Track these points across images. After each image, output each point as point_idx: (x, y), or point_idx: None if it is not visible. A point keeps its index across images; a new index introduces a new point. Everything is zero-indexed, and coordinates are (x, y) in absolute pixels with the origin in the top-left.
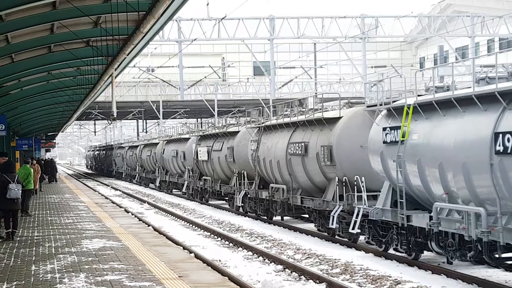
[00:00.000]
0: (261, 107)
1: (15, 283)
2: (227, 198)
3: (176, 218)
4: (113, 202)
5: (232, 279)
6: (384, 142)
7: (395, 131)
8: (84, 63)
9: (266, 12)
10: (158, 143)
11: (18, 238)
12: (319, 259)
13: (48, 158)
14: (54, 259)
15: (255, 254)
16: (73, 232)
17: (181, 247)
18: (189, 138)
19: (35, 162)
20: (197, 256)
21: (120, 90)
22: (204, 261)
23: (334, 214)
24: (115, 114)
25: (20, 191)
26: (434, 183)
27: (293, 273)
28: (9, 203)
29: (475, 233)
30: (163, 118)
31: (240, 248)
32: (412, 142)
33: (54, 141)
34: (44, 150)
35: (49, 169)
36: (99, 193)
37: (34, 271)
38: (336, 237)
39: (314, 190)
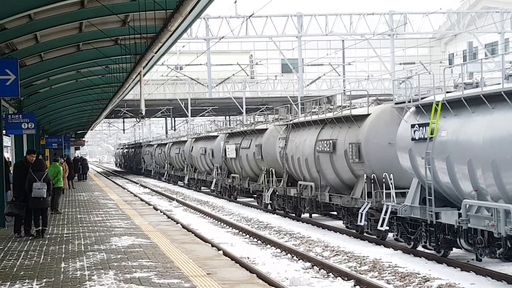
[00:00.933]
0: (289, 105)
1: (45, 280)
2: (255, 195)
3: (205, 216)
4: (142, 200)
5: (260, 276)
6: (413, 139)
7: (424, 128)
8: (112, 61)
9: (294, 9)
10: (186, 141)
11: (48, 236)
12: (347, 256)
13: (78, 156)
14: (84, 257)
15: (284, 252)
16: (102, 230)
17: (210, 245)
18: (217, 136)
19: (62, 161)
20: (225, 254)
21: (149, 88)
22: (232, 258)
23: (362, 211)
24: (143, 112)
25: (45, 190)
26: (463, 180)
27: (322, 270)
28: (35, 201)
29: (505, 230)
30: (191, 116)
31: (269, 246)
32: (441, 139)
33: (84, 139)
34: (73, 148)
35: (78, 167)
36: (128, 190)
37: (64, 268)
38: (365, 234)
39: (342, 188)
